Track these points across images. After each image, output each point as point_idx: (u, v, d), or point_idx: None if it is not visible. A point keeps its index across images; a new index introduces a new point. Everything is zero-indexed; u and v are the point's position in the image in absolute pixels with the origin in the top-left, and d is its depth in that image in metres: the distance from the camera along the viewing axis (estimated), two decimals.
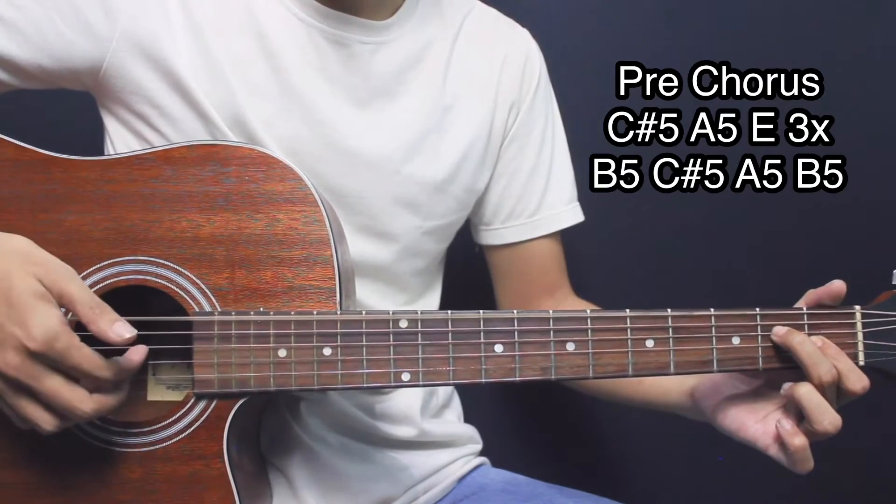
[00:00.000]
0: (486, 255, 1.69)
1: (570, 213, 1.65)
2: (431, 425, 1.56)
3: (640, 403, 1.52)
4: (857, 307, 1.26)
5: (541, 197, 1.61)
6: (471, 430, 1.66)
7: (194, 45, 1.36)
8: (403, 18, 1.48)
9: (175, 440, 1.22)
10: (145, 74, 1.36)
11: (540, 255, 1.64)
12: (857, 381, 1.22)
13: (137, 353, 1.15)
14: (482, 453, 1.66)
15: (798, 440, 1.22)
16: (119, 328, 1.13)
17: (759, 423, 1.29)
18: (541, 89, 1.61)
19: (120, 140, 1.41)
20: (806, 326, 1.24)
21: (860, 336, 1.25)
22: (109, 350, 1.13)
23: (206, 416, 1.22)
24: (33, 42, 1.33)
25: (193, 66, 1.36)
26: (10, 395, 1.12)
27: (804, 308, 1.26)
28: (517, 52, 1.59)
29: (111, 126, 1.42)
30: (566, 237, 1.67)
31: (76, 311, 1.12)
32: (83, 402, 1.11)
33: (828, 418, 1.20)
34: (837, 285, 1.25)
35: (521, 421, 2.08)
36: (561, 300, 1.67)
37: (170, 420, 1.22)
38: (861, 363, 1.25)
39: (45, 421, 1.12)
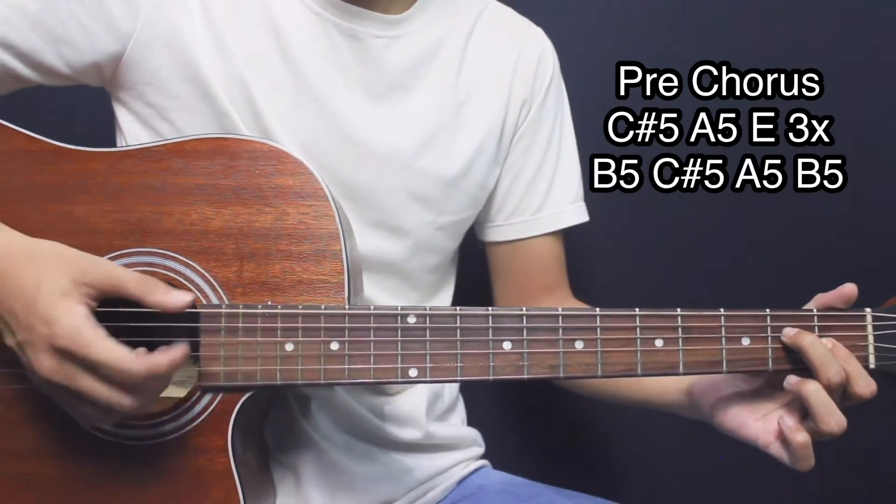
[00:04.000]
0: (487, 252, 1.68)
1: (574, 213, 1.65)
2: (436, 428, 1.56)
3: (637, 402, 1.51)
4: (868, 310, 1.26)
5: (545, 195, 1.61)
6: (474, 434, 1.65)
7: (211, 38, 1.36)
8: (418, 13, 1.48)
9: (179, 433, 1.22)
10: (164, 65, 1.36)
11: (541, 253, 1.64)
12: (866, 386, 1.22)
13: (180, 351, 1.14)
14: (483, 456, 1.66)
15: (801, 436, 1.21)
16: (176, 296, 1.15)
17: (759, 422, 1.28)
18: (553, 88, 1.61)
19: (132, 135, 1.41)
20: (816, 328, 1.24)
21: (871, 339, 1.24)
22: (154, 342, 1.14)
23: (211, 409, 1.22)
24: (57, 35, 1.33)
25: (210, 60, 1.36)
26: (59, 397, 1.13)
27: (815, 310, 1.26)
28: (531, 50, 1.59)
29: (124, 120, 1.42)
30: (565, 238, 1.67)
31: (127, 290, 1.13)
32: (122, 399, 1.11)
33: (835, 419, 1.19)
34: (849, 288, 1.25)
35: (522, 424, 2.08)
36: (559, 301, 1.66)
37: (174, 413, 1.22)
38: (871, 366, 1.24)
39: (99, 418, 1.14)
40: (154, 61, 1.36)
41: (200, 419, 1.22)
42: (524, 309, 1.23)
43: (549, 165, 1.61)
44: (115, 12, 1.34)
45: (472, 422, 1.69)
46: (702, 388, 1.36)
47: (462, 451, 1.60)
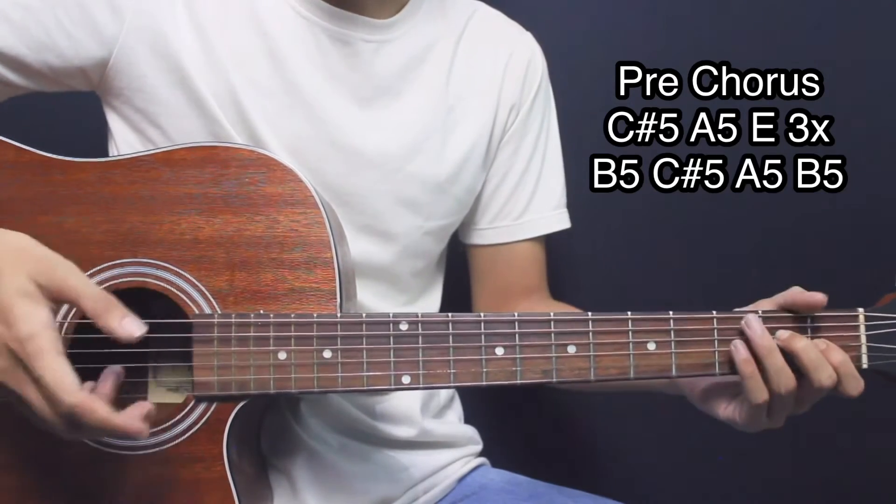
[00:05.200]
0: (467, 254, 1.68)
1: (556, 219, 1.65)
2: (432, 425, 1.55)
3: (621, 388, 1.50)
4: (861, 310, 1.25)
5: (528, 201, 1.62)
6: (471, 431, 1.65)
7: (198, 42, 1.36)
8: (407, 17, 1.48)
9: (175, 443, 1.22)
10: (150, 71, 1.36)
11: (521, 258, 1.64)
12: (856, 387, 1.22)
13: (107, 384, 1.12)
14: (482, 454, 1.66)
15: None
16: (129, 324, 1.07)
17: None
18: (541, 94, 1.61)
19: (123, 140, 1.41)
20: (809, 329, 1.24)
21: (863, 339, 1.24)
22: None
23: (205, 418, 1.21)
24: (41, 42, 1.33)
25: (197, 64, 1.36)
26: (8, 396, 1.08)
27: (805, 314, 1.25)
28: (521, 54, 1.59)
29: (115, 125, 1.42)
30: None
31: (81, 306, 1.08)
32: (56, 421, 1.06)
33: (826, 372, 1.20)
34: (818, 298, 1.23)
35: (521, 422, 2.07)
36: (537, 303, 1.66)
37: (169, 423, 1.21)
38: (864, 366, 1.24)
39: (45, 428, 1.08)
40: (140, 66, 1.36)
41: (195, 428, 1.22)
42: (516, 314, 1.23)
43: (533, 171, 1.62)
44: (99, 18, 1.34)
45: (469, 419, 1.69)
46: (686, 379, 1.35)
47: (460, 448, 1.61)
